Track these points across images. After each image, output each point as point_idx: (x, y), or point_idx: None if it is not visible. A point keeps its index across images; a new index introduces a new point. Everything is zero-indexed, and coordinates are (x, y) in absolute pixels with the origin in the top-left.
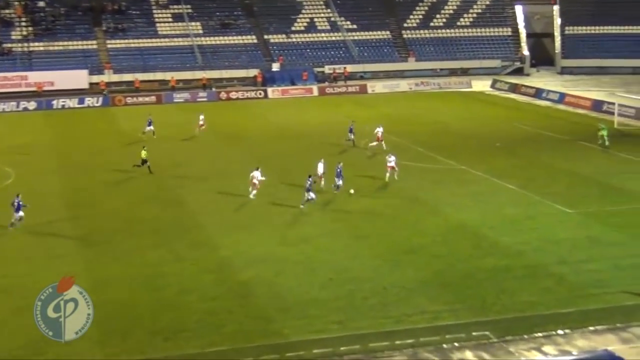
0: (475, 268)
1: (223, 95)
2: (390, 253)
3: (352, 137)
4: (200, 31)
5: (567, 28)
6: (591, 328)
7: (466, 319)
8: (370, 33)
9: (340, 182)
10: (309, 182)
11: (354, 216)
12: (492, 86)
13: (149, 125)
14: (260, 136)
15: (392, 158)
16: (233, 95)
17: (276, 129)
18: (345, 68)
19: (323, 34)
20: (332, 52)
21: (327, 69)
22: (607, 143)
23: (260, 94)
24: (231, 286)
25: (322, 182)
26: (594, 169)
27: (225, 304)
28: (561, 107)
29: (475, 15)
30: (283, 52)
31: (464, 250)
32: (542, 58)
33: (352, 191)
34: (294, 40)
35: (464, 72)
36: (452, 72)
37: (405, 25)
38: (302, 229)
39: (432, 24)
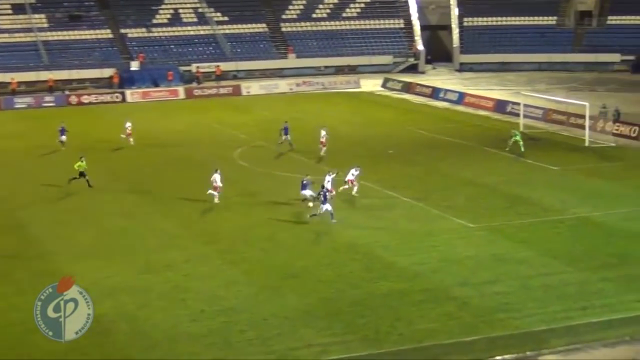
0: (368, 293)
1: (73, 99)
2: (270, 279)
3: (289, 138)
4: (45, 25)
5: (465, 19)
6: (498, 357)
7: (359, 352)
8: (244, 26)
9: (309, 195)
10: (322, 192)
11: (226, 237)
12: (384, 85)
13: (62, 134)
14: (116, 147)
15: (357, 172)
16: (85, 99)
17: (136, 138)
18: (218, 66)
19: (190, 28)
20: (201, 48)
21: (195, 68)
22: (522, 149)
23: (117, 97)
24: None
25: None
26: (498, 177)
27: (79, 343)
28: (461, 108)
29: (363, 5)
30: (143, 48)
31: (354, 273)
32: (439, 53)
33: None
34: (156, 34)
35: (352, 70)
36: (338, 70)
37: (283, 16)
38: (168, 253)
39: (314, 15)
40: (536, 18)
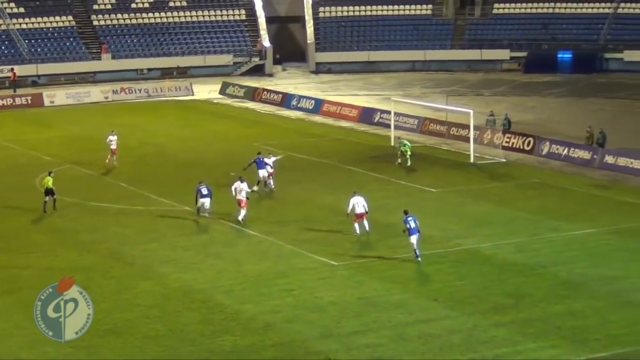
0: (207, 351)
1: None
2: (84, 336)
3: (262, 177)
4: None
5: (321, 9)
6: None
7: None
8: (45, 19)
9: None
10: None
11: (28, 285)
12: (222, 92)
13: None
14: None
15: (244, 186)
16: None
17: None
18: (12, 70)
19: None
20: None
21: None
22: (409, 163)
23: None
24: None
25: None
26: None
27: None
28: (318, 118)
29: None
30: None
31: (189, 326)
32: (290, 51)
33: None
34: None
35: (182, 73)
36: (166, 74)
37: (95, 7)
38: None
39: (133, 5)
40: (407, 7)
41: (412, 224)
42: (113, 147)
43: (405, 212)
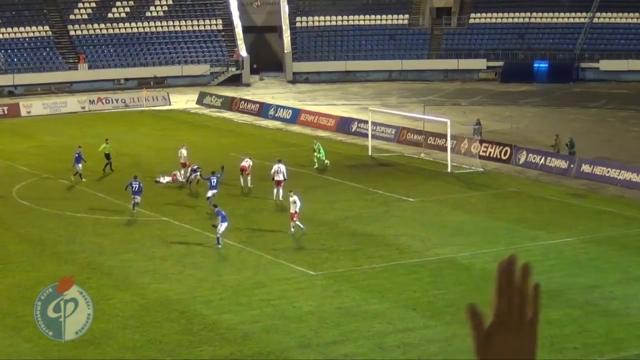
0: None
1: None
2: (61, 347)
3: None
4: None
5: (298, 19)
6: None
7: None
8: (22, 29)
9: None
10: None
11: (4, 297)
12: (199, 102)
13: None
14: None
15: (249, 161)
16: None
17: None
18: None
19: None
20: None
21: None
22: (315, 165)
23: None
24: None
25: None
26: (343, 212)
27: None
28: (295, 128)
29: (170, 3)
30: None
31: (168, 337)
32: (267, 61)
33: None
34: None
35: (159, 83)
36: (143, 84)
37: (72, 17)
38: None
39: (110, 15)
40: (384, 17)
41: (223, 213)
42: (246, 166)
43: (215, 206)
